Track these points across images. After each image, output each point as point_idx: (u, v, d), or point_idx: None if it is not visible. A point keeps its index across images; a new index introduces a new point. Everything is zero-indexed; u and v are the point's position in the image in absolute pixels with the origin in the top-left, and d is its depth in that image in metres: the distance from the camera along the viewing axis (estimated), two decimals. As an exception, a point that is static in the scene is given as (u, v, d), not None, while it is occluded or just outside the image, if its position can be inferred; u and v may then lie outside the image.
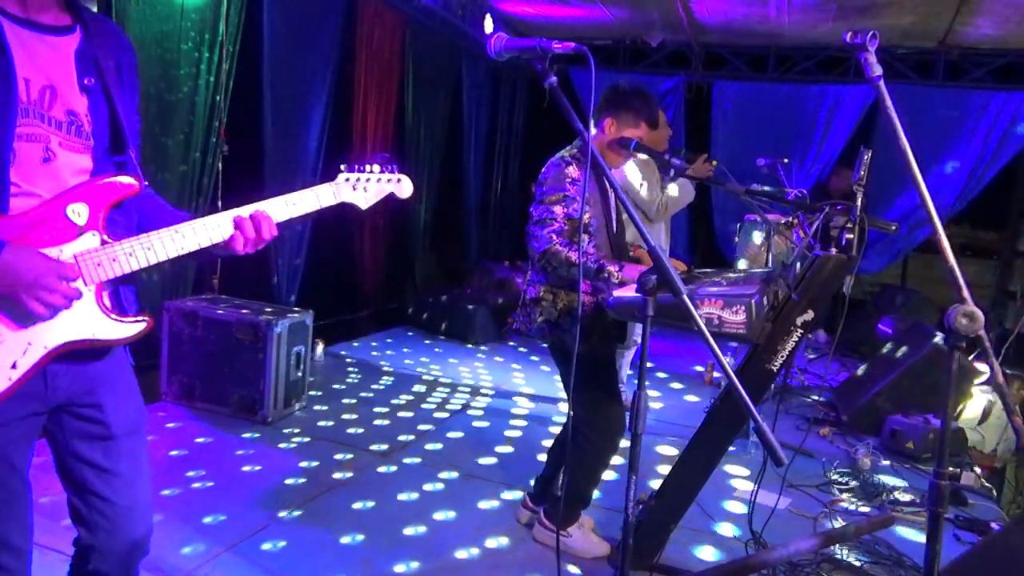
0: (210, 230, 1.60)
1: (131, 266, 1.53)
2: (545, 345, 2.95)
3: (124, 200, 1.57)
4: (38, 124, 1.45)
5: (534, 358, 6.30)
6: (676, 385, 5.78)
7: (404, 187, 1.86)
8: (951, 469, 3.85)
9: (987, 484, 3.96)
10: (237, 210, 1.64)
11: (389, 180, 1.82)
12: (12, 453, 1.51)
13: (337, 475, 3.59)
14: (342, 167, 1.78)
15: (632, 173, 4.31)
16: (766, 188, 3.96)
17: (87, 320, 1.51)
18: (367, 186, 1.79)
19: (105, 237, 1.52)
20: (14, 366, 1.43)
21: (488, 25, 7.06)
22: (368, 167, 1.79)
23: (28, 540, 1.56)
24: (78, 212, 1.49)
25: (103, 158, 1.57)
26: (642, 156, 4.15)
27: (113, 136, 1.58)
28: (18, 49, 1.42)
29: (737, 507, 3.55)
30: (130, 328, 1.57)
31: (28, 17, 1.45)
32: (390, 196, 1.85)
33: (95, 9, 3.64)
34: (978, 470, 4.09)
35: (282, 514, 3.14)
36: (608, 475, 3.71)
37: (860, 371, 5.36)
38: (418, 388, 5.18)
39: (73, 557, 1.68)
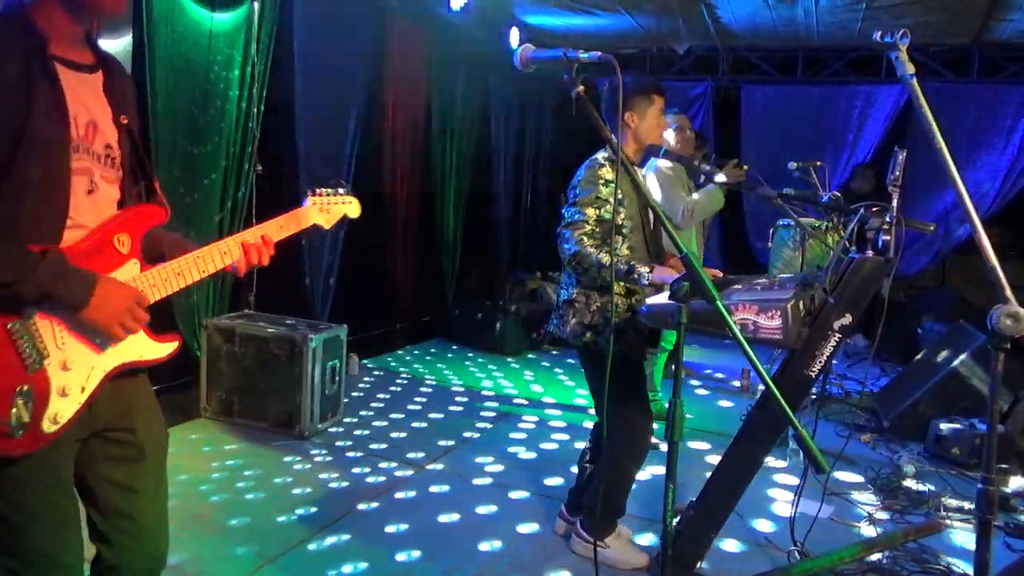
0: (223, 254, 1.74)
1: (167, 290, 1.65)
2: (577, 348, 2.93)
3: (153, 228, 1.68)
4: (85, 158, 1.54)
5: (562, 371, 6.28)
6: (709, 393, 5.71)
7: (353, 208, 2.08)
8: (1001, 473, 3.76)
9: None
10: (241, 235, 1.78)
11: (344, 202, 2.05)
12: (64, 476, 1.57)
13: (374, 488, 3.60)
14: (308, 192, 1.98)
15: (651, 183, 4.28)
16: (798, 192, 3.91)
17: (135, 342, 1.62)
18: (331, 208, 2.01)
19: (142, 264, 1.62)
20: (83, 390, 1.52)
21: (514, 38, 7.10)
22: (327, 191, 2.00)
23: (80, 559, 1.60)
24: (123, 241, 1.59)
25: (128, 188, 1.66)
26: (672, 164, 4.16)
27: (135, 167, 1.68)
28: (67, 88, 1.50)
29: (778, 515, 3.49)
30: (167, 347, 1.69)
31: (66, 56, 1.52)
32: (344, 217, 2.07)
33: (130, 35, 3.76)
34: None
35: (320, 531, 3.16)
36: (646, 484, 3.69)
37: (899, 375, 5.25)
38: (453, 400, 5.19)
39: None
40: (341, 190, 2.02)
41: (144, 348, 1.64)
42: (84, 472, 1.62)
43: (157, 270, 1.63)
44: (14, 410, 1.40)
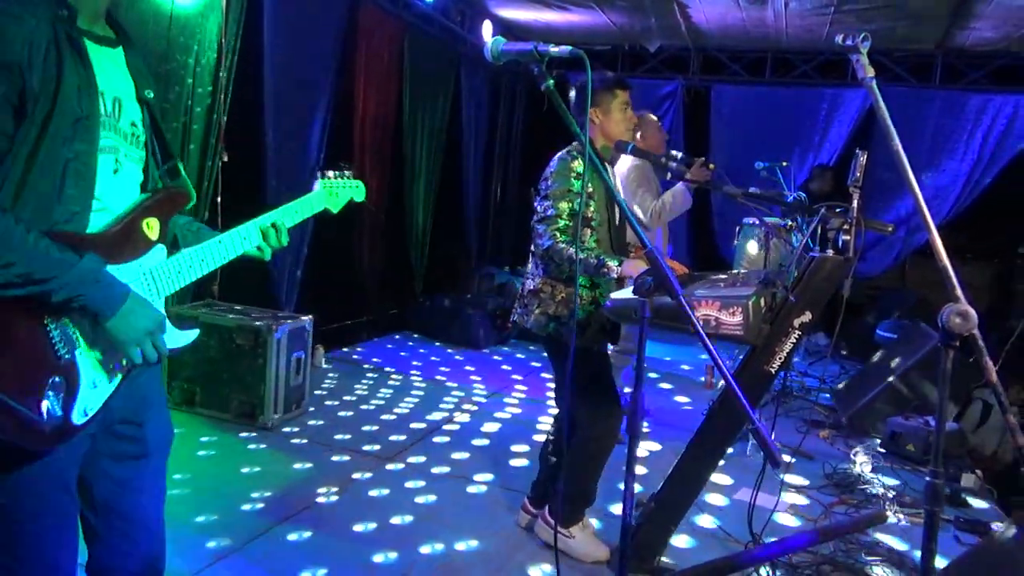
0: (244, 239, 1.70)
1: (190, 278, 1.60)
2: (541, 339, 2.94)
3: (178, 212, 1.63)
4: (113, 135, 1.49)
5: (536, 363, 6.31)
6: (675, 388, 5.78)
7: (360, 191, 2.04)
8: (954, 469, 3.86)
9: (988, 486, 3.96)
10: (258, 220, 1.73)
11: (350, 186, 2.01)
12: (69, 476, 1.51)
13: (337, 480, 3.59)
14: (318, 175, 1.94)
15: (620, 180, 4.31)
16: (764, 191, 3.96)
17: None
18: (339, 192, 1.98)
19: (168, 250, 1.58)
20: (110, 380, 1.49)
21: (486, 31, 7.09)
22: (335, 173, 1.96)
23: (75, 562, 1.54)
24: (151, 226, 1.54)
25: (150, 168, 1.61)
26: (639, 161, 4.19)
27: (157, 145, 1.63)
28: (96, 63, 1.45)
29: (736, 509, 3.55)
30: (188, 336, 1.65)
31: (91, 30, 1.48)
32: (351, 200, 2.03)
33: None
34: (979, 472, 4.09)
35: (282, 520, 3.14)
36: (607, 478, 3.72)
37: (857, 373, 5.36)
38: (419, 393, 5.19)
39: None
40: (347, 172, 1.98)
41: (168, 337, 1.58)
42: (84, 466, 1.56)
43: (181, 256, 1.58)
44: (46, 403, 1.36)
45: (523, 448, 4.24)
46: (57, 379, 1.38)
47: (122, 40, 1.57)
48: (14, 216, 1.33)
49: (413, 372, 5.74)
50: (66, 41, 1.39)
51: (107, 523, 1.60)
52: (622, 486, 1.66)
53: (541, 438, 4.33)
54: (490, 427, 4.58)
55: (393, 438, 4.22)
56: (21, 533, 1.45)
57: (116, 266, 1.47)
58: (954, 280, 1.52)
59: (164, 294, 1.56)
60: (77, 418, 1.42)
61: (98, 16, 1.50)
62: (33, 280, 1.32)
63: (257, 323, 4.18)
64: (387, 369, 5.76)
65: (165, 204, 1.58)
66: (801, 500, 3.71)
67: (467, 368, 6.03)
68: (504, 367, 6.17)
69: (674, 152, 3.53)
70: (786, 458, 3.96)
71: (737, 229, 5.89)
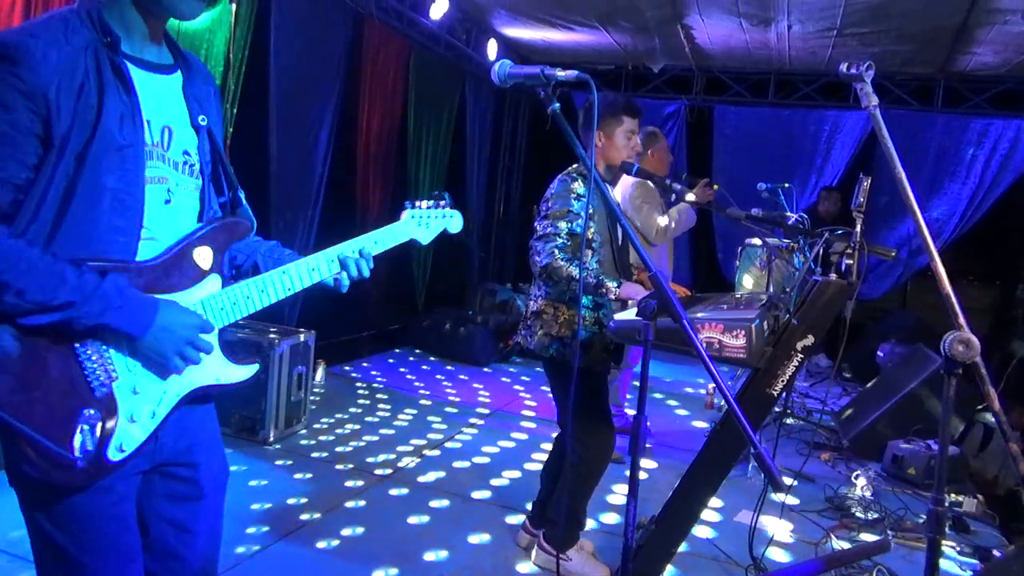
0: (312, 271, 1.62)
1: (248, 309, 1.54)
2: (543, 360, 2.95)
3: (238, 241, 1.58)
4: (161, 165, 1.44)
5: (532, 384, 6.30)
6: (678, 409, 5.77)
7: (456, 222, 1.91)
8: (954, 496, 3.85)
9: (989, 511, 3.94)
10: (339, 248, 1.67)
11: (445, 216, 1.88)
12: (127, 511, 1.46)
13: (337, 497, 3.58)
14: (406, 205, 1.84)
15: (626, 200, 4.34)
16: (766, 213, 3.98)
17: (212, 365, 1.51)
18: (429, 222, 1.86)
19: (224, 280, 1.53)
20: (153, 415, 1.42)
21: (491, 50, 7.14)
22: (427, 204, 1.85)
23: None
24: (203, 256, 1.49)
25: (209, 198, 1.56)
26: (644, 181, 4.21)
27: (216, 175, 1.58)
28: (141, 90, 1.41)
29: (738, 531, 3.53)
30: (246, 371, 1.57)
31: (139, 56, 1.44)
32: (444, 231, 1.91)
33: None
34: (980, 497, 4.07)
35: (281, 539, 3.13)
36: (610, 499, 3.71)
37: (858, 397, 5.35)
38: (419, 410, 5.18)
39: None
40: (443, 202, 1.87)
41: (221, 371, 1.52)
42: (140, 507, 1.51)
43: (239, 287, 1.52)
44: (79, 436, 1.31)
45: (524, 467, 4.22)
46: (91, 412, 1.33)
47: (180, 65, 1.53)
48: (27, 240, 1.29)
49: (414, 388, 5.73)
50: (109, 68, 1.35)
51: (163, 566, 1.56)
52: (616, 503, 1.65)
53: (542, 457, 4.33)
54: (490, 446, 4.56)
55: (393, 454, 4.21)
56: (82, 572, 1.40)
57: (163, 296, 1.42)
58: (957, 307, 1.53)
59: (218, 325, 1.51)
60: (113, 454, 1.36)
61: (148, 40, 1.45)
62: (50, 307, 1.27)
63: (260, 338, 4.18)
64: (388, 385, 5.75)
65: (219, 233, 1.53)
66: (802, 524, 3.69)
67: (469, 385, 6.01)
68: (506, 384, 6.16)
69: (678, 175, 3.55)
70: (787, 481, 3.94)
71: (739, 250, 5.89)
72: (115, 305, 1.32)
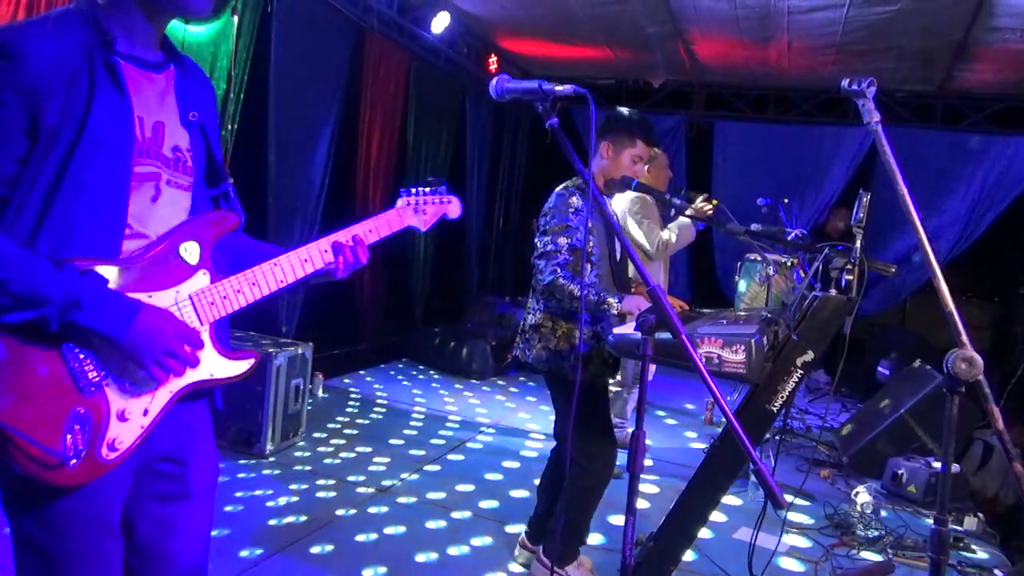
0: (306, 260, 1.60)
1: (239, 303, 1.52)
2: (542, 373, 2.94)
3: (226, 235, 1.57)
4: (152, 162, 1.44)
5: (531, 398, 6.27)
6: (675, 424, 5.74)
7: (454, 207, 1.87)
8: (954, 515, 3.82)
9: (990, 529, 3.91)
10: (332, 236, 1.64)
11: (443, 201, 1.84)
12: (111, 516, 1.44)
13: (334, 511, 3.55)
14: (400, 192, 1.80)
15: (625, 214, 4.34)
16: (766, 228, 3.97)
17: (206, 360, 1.49)
18: (426, 208, 1.81)
19: (213, 275, 1.51)
20: (145, 412, 1.40)
21: (492, 65, 7.17)
22: (422, 190, 1.81)
23: None
24: (190, 251, 1.47)
25: (200, 193, 1.56)
26: (643, 195, 4.20)
27: (209, 170, 1.58)
28: (133, 87, 1.41)
29: (736, 548, 3.50)
30: (241, 366, 1.55)
31: (134, 54, 1.44)
32: (444, 217, 1.87)
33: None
34: (981, 515, 4.04)
35: (277, 552, 3.10)
36: (607, 516, 3.68)
37: (857, 414, 5.32)
38: (417, 423, 5.15)
39: None
40: (441, 188, 1.83)
41: (215, 366, 1.50)
42: (127, 507, 1.49)
43: (229, 282, 1.50)
44: (68, 436, 1.29)
45: (520, 480, 4.19)
46: (81, 411, 1.31)
47: (174, 62, 1.53)
48: (7, 234, 1.28)
49: (412, 401, 5.71)
50: (101, 66, 1.36)
51: (149, 566, 1.53)
52: (615, 520, 1.63)
53: (538, 470, 4.30)
54: (489, 458, 4.53)
55: (389, 466, 4.17)
56: (61, 574, 1.38)
57: (149, 293, 1.41)
58: (959, 325, 1.52)
59: (209, 320, 1.49)
60: (106, 453, 1.34)
61: (146, 40, 1.46)
62: (23, 303, 1.25)
63: (257, 349, 4.15)
64: (386, 398, 5.72)
65: (206, 227, 1.51)
66: (802, 541, 3.66)
67: (465, 397, 5.99)
68: (503, 398, 6.13)
69: (677, 189, 3.56)
70: (788, 498, 3.92)
71: (738, 265, 5.89)
72: (87, 305, 1.29)
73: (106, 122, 1.35)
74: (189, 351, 1.42)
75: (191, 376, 1.47)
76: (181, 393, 1.46)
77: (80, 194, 1.33)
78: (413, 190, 1.80)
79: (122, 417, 1.37)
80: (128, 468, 1.43)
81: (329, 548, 3.16)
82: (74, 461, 1.30)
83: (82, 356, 1.33)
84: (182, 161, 1.50)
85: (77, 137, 1.32)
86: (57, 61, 1.31)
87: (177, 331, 1.40)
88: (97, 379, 1.34)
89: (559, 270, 2.74)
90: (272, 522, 3.35)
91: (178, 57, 1.56)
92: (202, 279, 1.48)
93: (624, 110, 3.01)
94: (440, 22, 6.28)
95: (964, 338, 1.51)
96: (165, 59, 1.52)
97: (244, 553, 3.04)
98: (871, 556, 3.52)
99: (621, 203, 4.35)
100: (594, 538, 3.38)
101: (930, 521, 1.53)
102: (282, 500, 3.61)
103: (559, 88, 1.66)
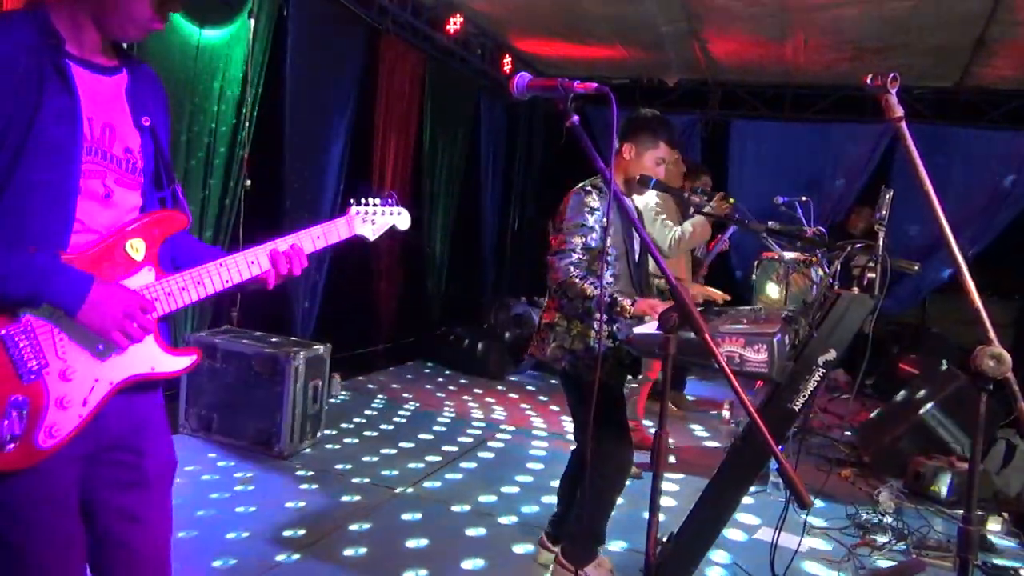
0: (251, 264, 1.65)
1: (184, 300, 1.56)
2: (558, 372, 2.93)
3: (172, 235, 1.61)
4: (100, 162, 1.48)
5: (545, 398, 6.26)
6: (695, 423, 5.71)
7: (403, 220, 1.98)
8: (979, 513, 3.77)
9: (1015, 528, 3.86)
10: (272, 244, 1.68)
11: (392, 213, 1.94)
12: (65, 495, 1.48)
13: (352, 511, 3.56)
14: (351, 201, 1.88)
15: (645, 206, 4.33)
16: (784, 226, 3.94)
17: (147, 354, 1.54)
18: (375, 219, 1.91)
19: (158, 272, 1.55)
20: (85, 403, 1.44)
21: (507, 65, 7.17)
22: (373, 201, 1.90)
23: None
24: (136, 247, 1.51)
25: (149, 194, 1.60)
26: (661, 193, 4.19)
27: (157, 173, 1.62)
28: (82, 89, 1.45)
29: (758, 548, 3.48)
30: (183, 361, 1.59)
31: (84, 57, 1.48)
32: (392, 228, 1.97)
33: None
34: (1005, 515, 4.00)
35: (296, 553, 3.11)
36: (628, 515, 3.67)
37: (880, 412, 5.27)
38: (435, 423, 5.16)
39: None
40: (390, 200, 1.94)
41: (156, 360, 1.55)
42: (87, 496, 1.53)
43: (174, 279, 1.54)
44: (6, 421, 1.34)
45: (540, 481, 4.18)
46: (19, 398, 1.35)
47: (126, 66, 1.57)
48: None
49: (430, 402, 5.71)
50: (51, 68, 1.39)
51: (111, 555, 1.57)
52: (635, 521, 1.63)
53: (556, 470, 4.30)
54: (506, 459, 4.53)
55: (407, 467, 4.18)
56: (22, 556, 1.42)
57: None
58: (987, 322, 1.50)
59: (155, 315, 1.52)
60: (43, 439, 1.38)
61: (95, 45, 1.50)
62: None
63: (276, 351, 4.19)
64: (403, 397, 5.73)
65: (153, 226, 1.54)
66: (823, 541, 3.63)
67: (484, 398, 5.99)
68: (520, 398, 6.13)
69: (693, 188, 3.54)
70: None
71: (756, 264, 5.85)
72: (47, 277, 1.35)
73: (54, 122, 1.39)
74: (147, 316, 1.46)
75: (132, 368, 1.51)
76: (122, 385, 1.50)
77: (29, 192, 1.38)
78: (363, 201, 1.89)
79: (61, 405, 1.41)
80: (73, 454, 1.45)
81: (348, 547, 3.17)
82: (11, 446, 1.34)
83: (23, 344, 1.37)
84: (132, 162, 1.55)
85: (24, 139, 1.36)
86: (4, 64, 1.35)
87: (132, 297, 1.45)
88: (37, 367, 1.38)
89: (572, 268, 2.72)
90: (291, 521, 3.36)
91: (131, 62, 1.60)
92: (147, 275, 1.53)
93: (647, 111, 2.99)
94: (454, 23, 6.28)
95: (992, 334, 1.49)
96: (118, 64, 1.56)
97: (266, 549, 3.05)
98: (894, 556, 3.49)
99: (642, 203, 4.34)
100: (624, 542, 3.37)
101: (953, 520, 1.51)
102: (300, 499, 3.62)
103: (580, 86, 1.66)
